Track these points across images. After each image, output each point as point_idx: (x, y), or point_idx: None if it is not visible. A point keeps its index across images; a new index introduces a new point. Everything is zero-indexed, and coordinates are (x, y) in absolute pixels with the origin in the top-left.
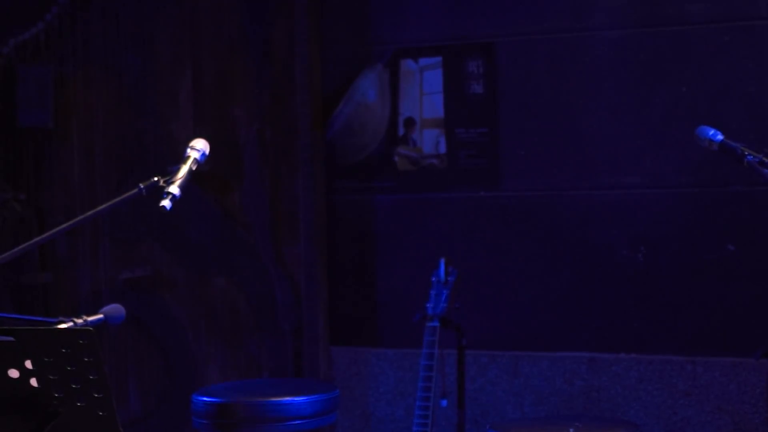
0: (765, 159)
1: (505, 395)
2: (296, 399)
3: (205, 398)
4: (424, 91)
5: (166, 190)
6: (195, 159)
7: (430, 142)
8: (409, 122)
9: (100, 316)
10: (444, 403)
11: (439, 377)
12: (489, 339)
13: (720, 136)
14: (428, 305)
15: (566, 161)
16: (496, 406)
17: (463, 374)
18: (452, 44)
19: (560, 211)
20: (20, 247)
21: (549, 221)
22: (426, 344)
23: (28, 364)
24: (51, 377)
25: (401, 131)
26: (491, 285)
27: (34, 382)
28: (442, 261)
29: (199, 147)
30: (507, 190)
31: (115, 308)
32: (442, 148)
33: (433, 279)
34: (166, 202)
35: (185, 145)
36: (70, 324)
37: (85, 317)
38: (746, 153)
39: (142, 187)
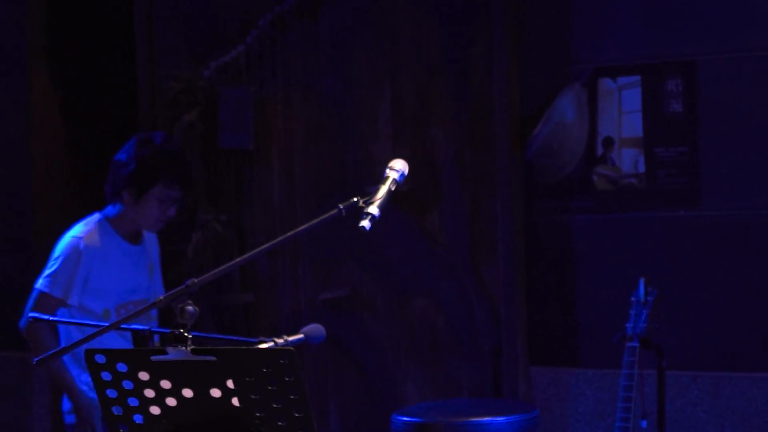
0: None
1: (706, 416)
2: (496, 419)
3: (404, 418)
4: (623, 110)
5: (365, 211)
6: (394, 179)
7: (629, 161)
8: (608, 141)
9: (301, 336)
10: (644, 423)
11: (638, 398)
12: (689, 359)
13: None
14: (628, 325)
15: (767, 180)
16: (697, 428)
17: (663, 395)
18: (651, 63)
19: (761, 230)
20: (222, 267)
21: (750, 240)
22: (626, 365)
23: (230, 383)
24: (252, 397)
25: (600, 151)
26: (691, 305)
27: (235, 401)
28: (642, 281)
29: (398, 167)
30: (707, 210)
31: (316, 328)
32: (641, 168)
33: (633, 299)
34: (365, 223)
35: (384, 165)
36: (271, 344)
37: (285, 337)
38: None
39: (341, 207)
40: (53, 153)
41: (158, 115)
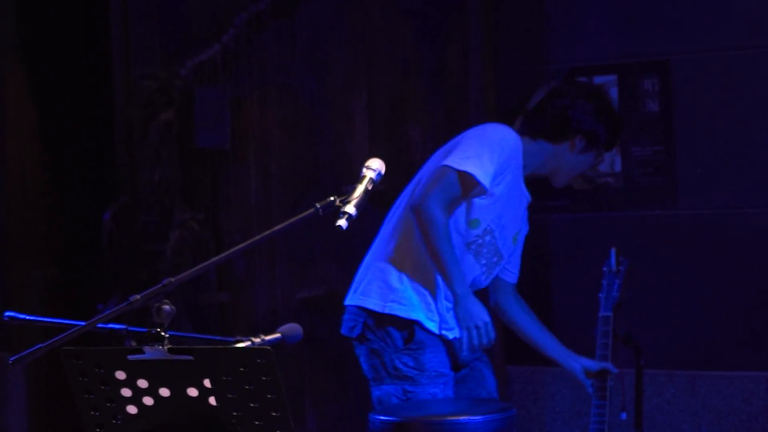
0: None
1: (682, 415)
2: (473, 418)
3: (381, 417)
4: None
5: (342, 210)
6: (371, 178)
7: (606, 160)
8: None
9: (278, 335)
10: (623, 416)
11: (617, 393)
12: (666, 358)
13: None
14: (600, 295)
15: (743, 179)
16: (674, 426)
17: (641, 394)
18: (627, 62)
19: (737, 229)
20: (199, 267)
21: (726, 239)
22: (599, 335)
23: (207, 383)
24: (229, 396)
25: None
26: (668, 304)
27: (212, 400)
28: (613, 251)
29: (374, 167)
30: (683, 209)
31: (293, 327)
32: (618, 167)
33: (605, 269)
34: (342, 222)
35: (360, 164)
36: (248, 343)
37: (262, 336)
38: None
39: (318, 206)
40: (28, 151)
41: (134, 114)
